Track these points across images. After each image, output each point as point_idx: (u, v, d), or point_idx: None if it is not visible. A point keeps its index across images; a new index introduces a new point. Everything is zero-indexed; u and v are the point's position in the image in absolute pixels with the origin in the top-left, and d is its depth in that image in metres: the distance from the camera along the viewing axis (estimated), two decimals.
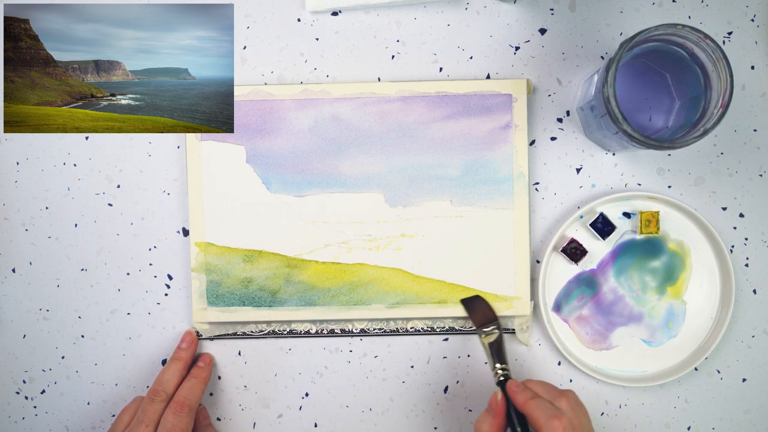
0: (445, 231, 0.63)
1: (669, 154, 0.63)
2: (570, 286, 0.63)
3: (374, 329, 0.63)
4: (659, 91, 0.56)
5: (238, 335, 0.64)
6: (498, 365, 0.58)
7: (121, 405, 0.65)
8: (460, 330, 0.64)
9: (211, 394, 0.65)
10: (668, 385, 0.64)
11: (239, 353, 0.65)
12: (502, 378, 0.57)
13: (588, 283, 0.63)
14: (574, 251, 0.62)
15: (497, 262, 0.62)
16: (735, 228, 0.64)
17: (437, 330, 0.64)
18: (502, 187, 0.62)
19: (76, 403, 0.65)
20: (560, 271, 0.63)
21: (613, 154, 0.64)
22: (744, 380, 0.64)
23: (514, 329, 0.63)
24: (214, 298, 0.63)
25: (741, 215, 0.64)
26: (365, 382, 0.65)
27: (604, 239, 0.63)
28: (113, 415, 0.65)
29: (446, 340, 0.64)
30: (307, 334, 0.64)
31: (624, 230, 0.63)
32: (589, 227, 0.62)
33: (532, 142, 0.64)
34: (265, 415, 0.65)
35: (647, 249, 0.63)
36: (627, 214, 0.63)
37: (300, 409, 0.65)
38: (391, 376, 0.64)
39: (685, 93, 0.56)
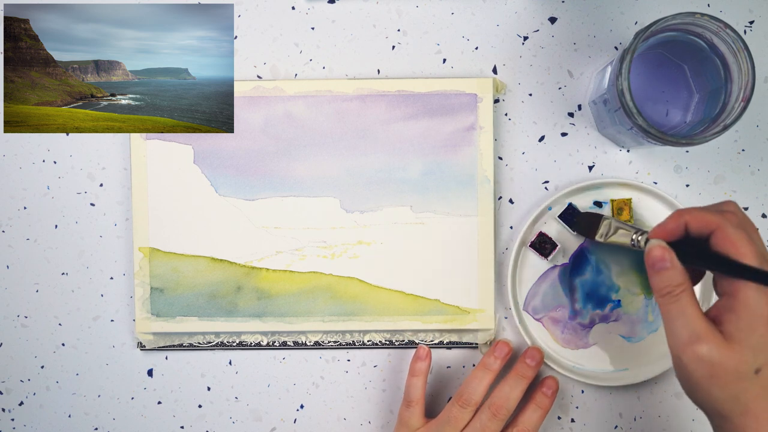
0: (404, 238, 0.61)
1: (687, 151, 0.62)
2: (542, 283, 0.62)
3: (329, 342, 0.62)
4: (677, 84, 0.56)
5: (185, 347, 0.63)
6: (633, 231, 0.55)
7: (105, 417, 0.64)
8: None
9: (199, 406, 0.64)
10: (661, 382, 0.62)
11: (230, 362, 0.64)
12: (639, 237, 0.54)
13: (561, 279, 0.62)
14: (543, 245, 0.61)
15: (460, 272, 0.61)
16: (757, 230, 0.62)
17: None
18: (465, 192, 0.61)
19: (57, 416, 0.64)
20: (531, 269, 0.62)
21: (628, 151, 0.63)
22: None
23: (477, 344, 0.62)
24: (158, 307, 0.61)
25: (763, 215, 0.63)
26: (364, 393, 0.64)
27: (575, 231, 0.61)
28: (96, 429, 0.64)
29: (450, 348, 0.63)
30: (258, 346, 0.63)
31: None
32: (558, 219, 0.61)
33: (542, 138, 0.63)
34: (257, 429, 0.64)
35: None
36: (598, 203, 0.62)
37: (294, 422, 0.64)
38: (391, 387, 0.63)
39: (704, 86, 0.55)
